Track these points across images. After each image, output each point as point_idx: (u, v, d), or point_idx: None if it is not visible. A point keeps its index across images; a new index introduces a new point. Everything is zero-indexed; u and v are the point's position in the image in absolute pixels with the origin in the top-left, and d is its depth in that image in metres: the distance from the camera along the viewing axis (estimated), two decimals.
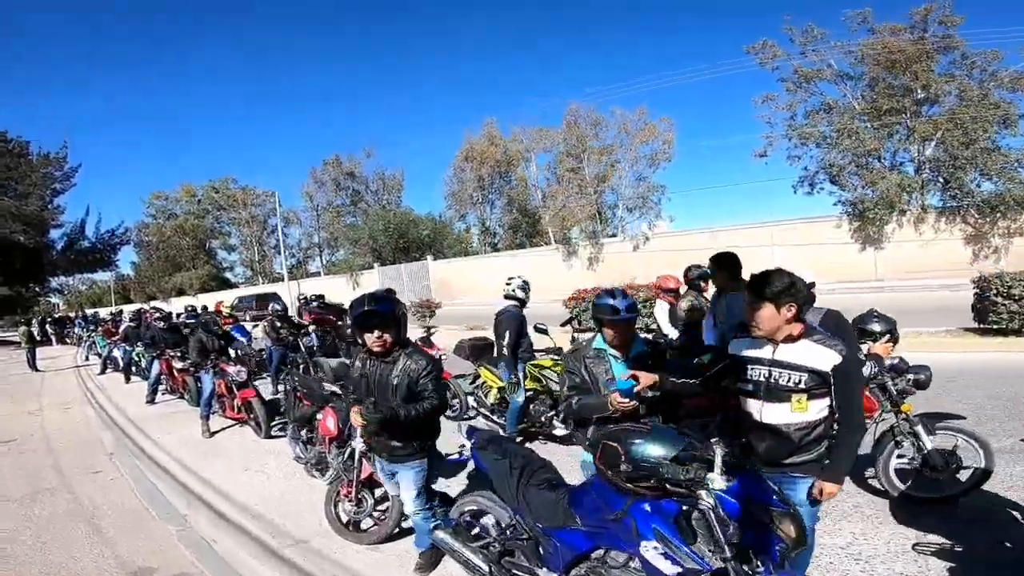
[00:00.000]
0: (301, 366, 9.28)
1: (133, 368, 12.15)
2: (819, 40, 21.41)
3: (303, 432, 5.31)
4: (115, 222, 39.39)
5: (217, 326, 7.40)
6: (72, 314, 35.87)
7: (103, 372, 13.71)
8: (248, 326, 13.31)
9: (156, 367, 9.32)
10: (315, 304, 10.36)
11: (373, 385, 3.14)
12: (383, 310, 3.07)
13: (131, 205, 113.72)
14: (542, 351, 6.44)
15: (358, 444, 3.62)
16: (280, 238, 38.80)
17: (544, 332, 6.30)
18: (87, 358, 17.55)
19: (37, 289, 33.71)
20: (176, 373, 9.04)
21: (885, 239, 19.51)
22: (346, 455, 4.08)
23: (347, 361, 7.74)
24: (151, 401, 9.37)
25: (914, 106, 19.74)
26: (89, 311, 36.36)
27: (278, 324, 9.80)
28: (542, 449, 4.88)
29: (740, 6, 53.15)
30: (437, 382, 3.13)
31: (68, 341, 25.44)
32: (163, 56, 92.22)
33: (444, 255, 35.97)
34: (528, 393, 5.61)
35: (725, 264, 4.42)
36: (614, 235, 25.83)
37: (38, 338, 22.67)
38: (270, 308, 10.22)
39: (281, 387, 7.85)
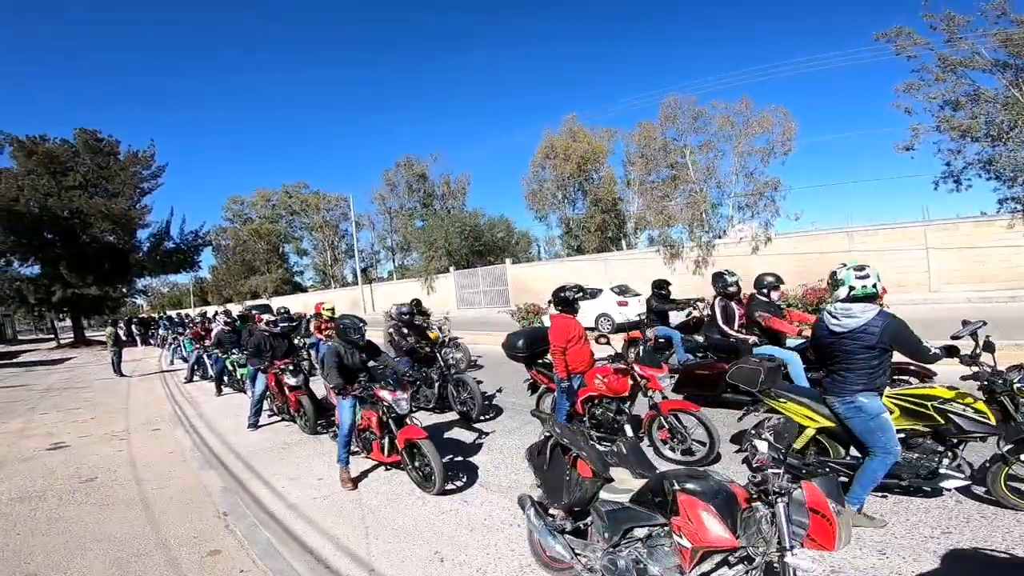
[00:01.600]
0: (437, 385, 7.15)
1: (225, 378, 10.38)
2: (964, 28, 18.03)
3: (569, 519, 2.98)
4: (196, 224, 39.33)
5: (359, 335, 5.25)
6: (156, 315, 35.81)
7: (190, 380, 12.13)
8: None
9: (261, 382, 7.36)
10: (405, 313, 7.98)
11: None
12: None
13: (207, 209, 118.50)
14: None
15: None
16: (354, 242, 37.75)
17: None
18: (172, 362, 16.24)
19: (124, 290, 33.75)
20: (288, 391, 7.02)
21: None
22: None
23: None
24: (254, 425, 7.41)
25: None
26: (172, 312, 36.32)
27: (406, 331, 7.69)
28: None
29: None
30: None
31: (152, 342, 24.71)
32: (240, 62, 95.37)
33: (518, 259, 33.89)
34: None
35: None
36: (718, 236, 22.80)
37: (124, 338, 21.89)
38: (393, 311, 8.13)
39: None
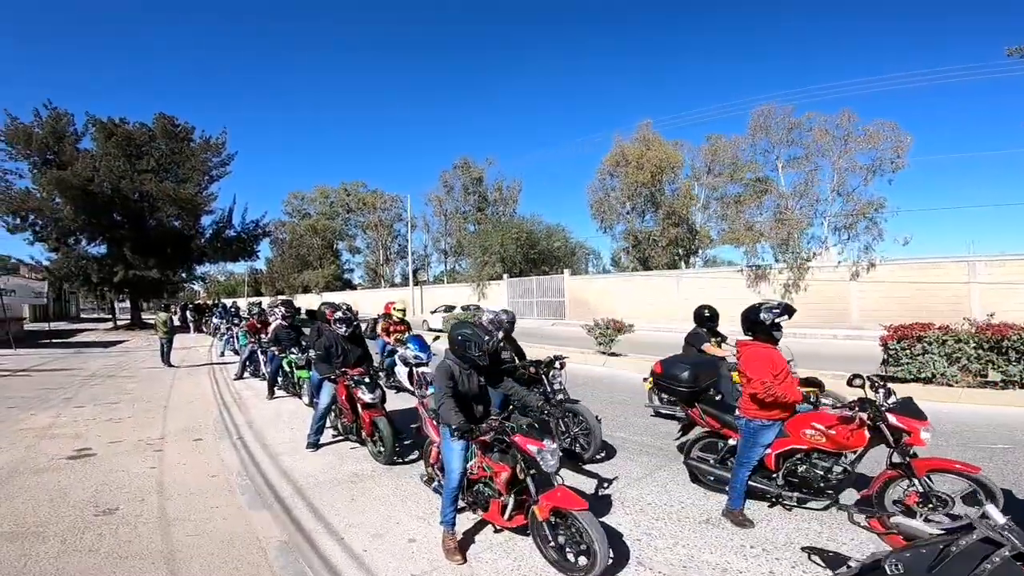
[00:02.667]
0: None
1: (280, 379, 9.02)
2: None
3: None
4: (257, 214, 39.31)
5: (482, 351, 3.65)
6: (212, 302, 35.68)
7: (240, 376, 10.89)
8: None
9: (328, 394, 5.86)
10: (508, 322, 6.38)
11: None
12: None
13: (267, 202, 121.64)
14: None
15: None
16: (407, 242, 36.87)
17: None
18: (223, 353, 15.21)
19: (184, 275, 33.79)
20: (362, 409, 5.49)
21: None
22: None
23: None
24: (314, 445, 5.92)
25: None
26: (227, 301, 36.18)
27: (502, 345, 6.05)
28: None
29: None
30: None
31: (204, 330, 24.10)
32: (306, 60, 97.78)
33: (576, 270, 32.12)
34: None
35: None
36: (807, 258, 20.37)
37: (178, 324, 21.24)
38: (486, 318, 6.51)
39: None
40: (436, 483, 4.25)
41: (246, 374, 11.02)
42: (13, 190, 24.69)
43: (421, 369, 8.26)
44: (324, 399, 5.88)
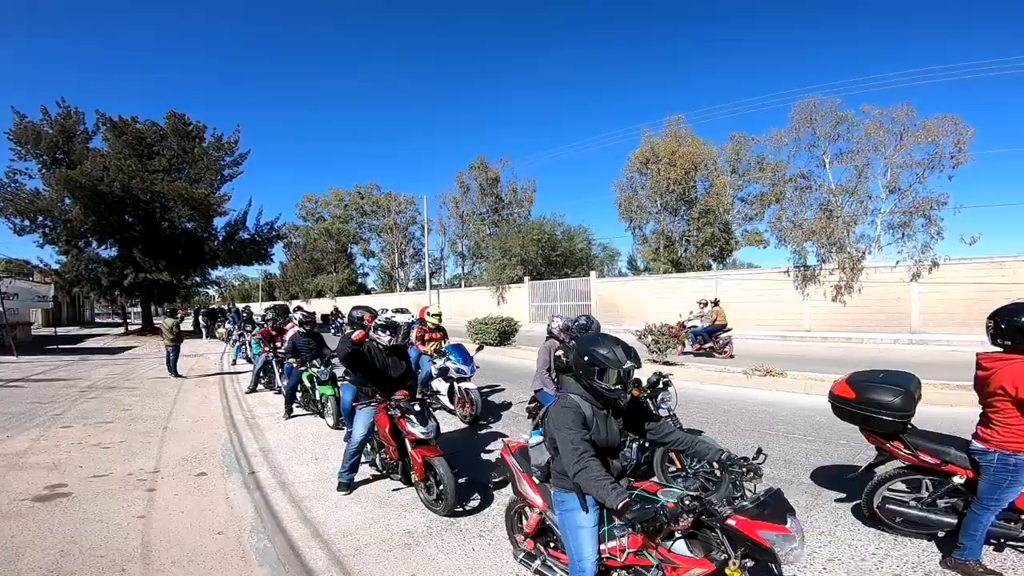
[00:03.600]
0: (636, 446, 4.17)
1: (298, 395, 7.73)
2: None
3: None
4: (271, 216, 38.35)
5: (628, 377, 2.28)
6: (225, 307, 34.65)
7: (253, 390, 9.61)
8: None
9: (364, 423, 4.55)
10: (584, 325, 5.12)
11: None
12: None
13: (281, 206, 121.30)
14: None
15: None
16: (423, 245, 35.59)
17: None
18: (235, 361, 14.00)
19: (198, 279, 32.83)
20: (411, 447, 4.17)
21: None
22: None
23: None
24: (347, 486, 4.62)
25: None
26: (240, 305, 35.16)
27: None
28: None
29: None
30: None
31: (217, 336, 22.97)
32: (318, 62, 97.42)
33: (602, 272, 30.69)
34: None
35: None
36: (860, 258, 18.80)
37: (190, 328, 20.14)
38: (555, 326, 5.20)
39: None
40: (541, 562, 2.91)
41: (260, 387, 9.77)
42: (22, 191, 23.77)
43: (464, 385, 6.95)
44: (359, 430, 4.56)
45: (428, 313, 8.03)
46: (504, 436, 6.00)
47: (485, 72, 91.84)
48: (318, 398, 7.11)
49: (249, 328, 13.62)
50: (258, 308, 33.16)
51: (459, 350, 7.28)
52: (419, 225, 49.32)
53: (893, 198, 19.31)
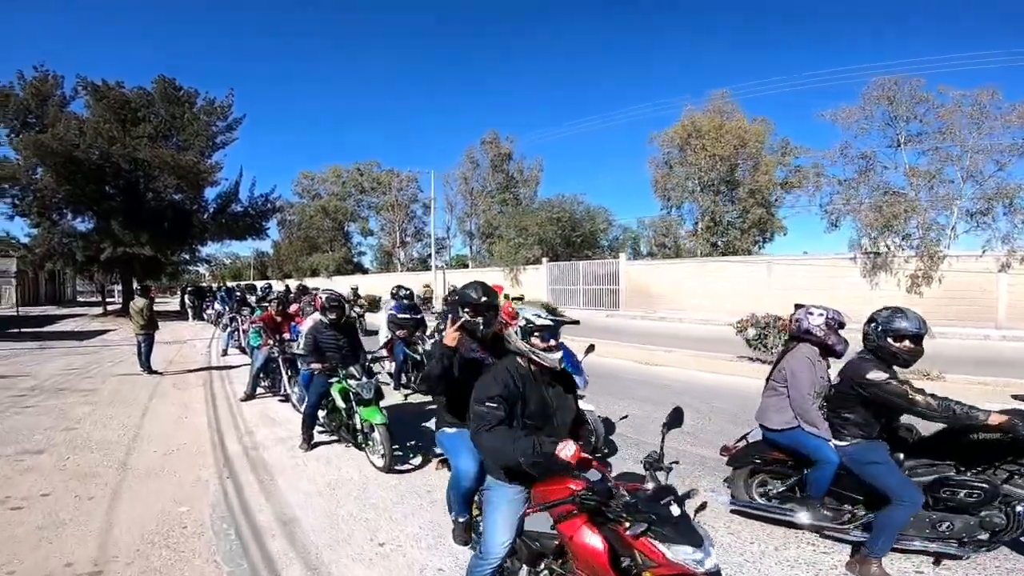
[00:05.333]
0: None
1: (321, 414, 5.27)
2: None
3: None
4: (266, 188, 35.35)
5: None
6: (215, 285, 31.82)
7: (251, 396, 7.17)
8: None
9: (469, 470, 2.16)
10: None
11: None
12: None
13: (275, 182, 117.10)
14: None
15: None
16: (432, 220, 32.86)
17: None
18: (225, 351, 11.50)
19: (186, 256, 29.99)
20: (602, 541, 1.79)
21: None
22: None
23: None
24: None
25: None
26: (231, 284, 32.40)
27: None
28: None
29: None
30: None
31: (205, 318, 20.39)
32: (318, 36, 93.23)
33: (614, 254, 28.37)
34: None
35: None
36: (939, 246, 16.65)
37: (176, 309, 17.63)
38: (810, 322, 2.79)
39: None
40: None
41: (260, 387, 7.33)
42: None
43: (581, 405, 4.52)
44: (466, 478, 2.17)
45: (505, 296, 5.60)
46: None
47: (491, 51, 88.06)
48: (358, 425, 4.67)
49: (244, 312, 11.11)
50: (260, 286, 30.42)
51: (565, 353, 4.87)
52: (421, 203, 46.64)
53: (971, 184, 17.13)
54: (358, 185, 48.95)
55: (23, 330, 15.90)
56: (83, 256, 21.61)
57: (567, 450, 2.01)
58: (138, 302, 8.91)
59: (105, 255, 21.13)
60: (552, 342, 2.37)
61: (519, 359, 2.43)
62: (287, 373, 6.71)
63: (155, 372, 8.94)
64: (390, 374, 7.40)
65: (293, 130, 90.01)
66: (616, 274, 22.86)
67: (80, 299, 43.20)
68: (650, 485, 2.04)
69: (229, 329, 11.83)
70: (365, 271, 49.84)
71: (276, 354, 6.84)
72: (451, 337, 2.59)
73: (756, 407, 3.72)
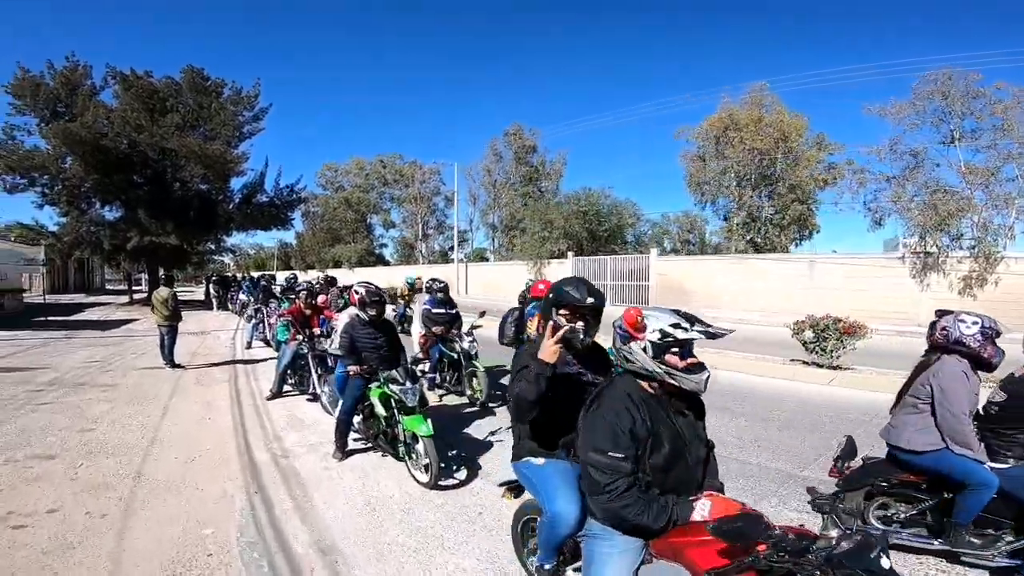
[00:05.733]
0: None
1: (357, 421, 4.73)
2: None
3: None
4: (292, 179, 35.10)
5: None
6: (239, 275, 31.78)
7: (277, 395, 6.69)
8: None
9: (569, 515, 1.82)
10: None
11: None
12: None
13: (299, 174, 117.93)
14: None
15: None
16: (455, 212, 32.43)
17: None
18: (249, 343, 11.13)
19: (212, 246, 29.99)
20: None
21: None
22: None
23: None
24: None
25: None
26: (255, 274, 32.34)
27: None
28: None
29: None
30: None
31: (230, 308, 20.20)
32: (341, 27, 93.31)
33: (642, 250, 27.53)
34: None
35: None
36: (962, 246, 15.57)
37: (200, 299, 17.41)
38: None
39: None
40: None
41: (287, 385, 6.85)
42: (12, 145, 20.85)
43: None
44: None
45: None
46: None
47: (513, 45, 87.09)
48: (400, 436, 4.12)
49: (270, 305, 10.70)
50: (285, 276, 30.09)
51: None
52: (443, 196, 46.27)
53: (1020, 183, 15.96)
54: (381, 177, 48.78)
55: (50, 318, 15.82)
56: (110, 245, 21.59)
57: (702, 509, 1.68)
58: (161, 292, 8.47)
59: (131, 244, 21.08)
60: (692, 359, 1.77)
61: (641, 382, 1.84)
62: (317, 371, 6.22)
63: (178, 366, 8.56)
64: (423, 372, 6.89)
65: (316, 124, 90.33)
66: (646, 270, 22.09)
67: (109, 287, 43.77)
68: (833, 532, 1.71)
69: (254, 321, 11.46)
70: (387, 263, 49.75)
71: (305, 350, 6.36)
72: (551, 352, 2.00)
73: (821, 415, 3.15)
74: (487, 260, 39.12)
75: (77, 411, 5.94)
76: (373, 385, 4.37)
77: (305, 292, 6.78)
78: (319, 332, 6.50)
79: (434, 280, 7.16)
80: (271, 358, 9.79)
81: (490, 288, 29.93)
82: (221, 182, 23.76)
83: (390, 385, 4.14)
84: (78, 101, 21.88)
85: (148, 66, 24.17)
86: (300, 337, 6.46)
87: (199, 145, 21.51)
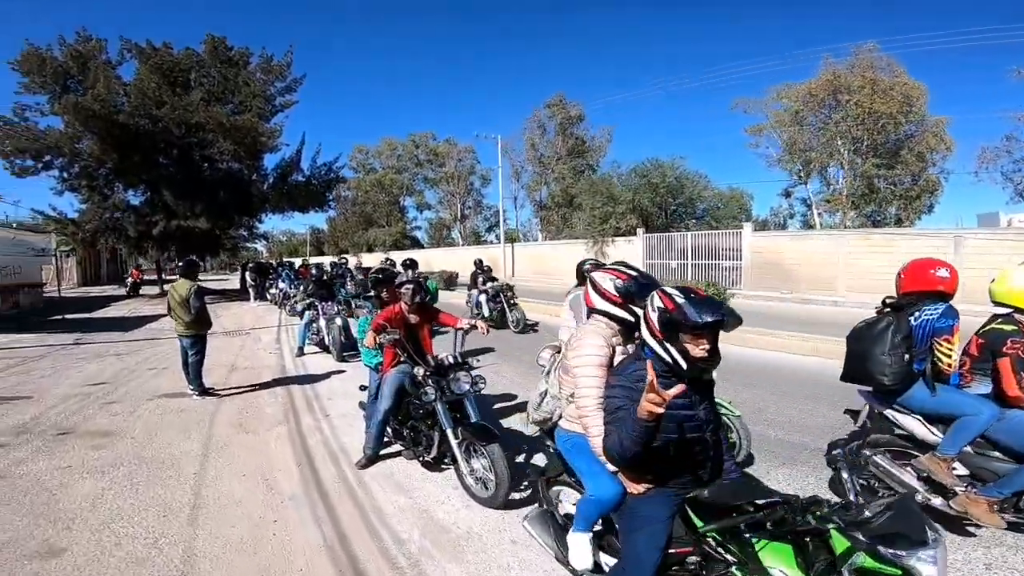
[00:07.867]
0: None
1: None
2: None
3: None
4: (330, 156, 32.57)
5: None
6: (274, 262, 29.59)
7: (373, 459, 3.99)
8: None
9: None
10: None
11: None
12: None
13: (329, 156, 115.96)
14: None
15: None
16: (499, 187, 29.35)
17: None
18: (302, 350, 8.57)
19: (244, 232, 27.83)
20: None
21: None
22: None
23: None
24: None
25: None
26: (294, 260, 30.18)
27: None
28: None
29: None
30: None
31: (269, 298, 17.89)
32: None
33: (720, 225, 24.25)
34: None
35: None
36: None
37: (236, 288, 15.10)
38: None
39: None
40: None
41: (398, 445, 4.16)
42: (22, 126, 18.75)
43: None
44: None
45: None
46: None
47: (552, 18, 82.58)
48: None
49: (323, 298, 8.16)
50: (329, 261, 27.55)
51: None
52: (479, 175, 43.46)
53: None
54: (413, 158, 46.29)
55: (67, 317, 13.62)
56: (135, 231, 19.39)
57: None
58: (179, 287, 5.70)
59: (158, 229, 18.87)
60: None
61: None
62: (449, 426, 3.52)
63: (208, 391, 5.95)
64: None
65: (346, 104, 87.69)
66: (737, 248, 18.93)
67: (145, 278, 42.45)
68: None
69: (305, 320, 8.88)
70: (421, 246, 47.57)
71: (431, 396, 3.58)
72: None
73: None
74: (516, 240, 36.39)
75: (39, 501, 3.29)
76: None
77: (412, 287, 4.01)
78: (440, 357, 3.80)
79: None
80: (334, 372, 7.19)
81: (539, 272, 27.16)
82: (253, 159, 21.29)
83: None
84: (90, 75, 19.67)
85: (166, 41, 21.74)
86: (403, 359, 3.77)
87: (227, 118, 19.06)
